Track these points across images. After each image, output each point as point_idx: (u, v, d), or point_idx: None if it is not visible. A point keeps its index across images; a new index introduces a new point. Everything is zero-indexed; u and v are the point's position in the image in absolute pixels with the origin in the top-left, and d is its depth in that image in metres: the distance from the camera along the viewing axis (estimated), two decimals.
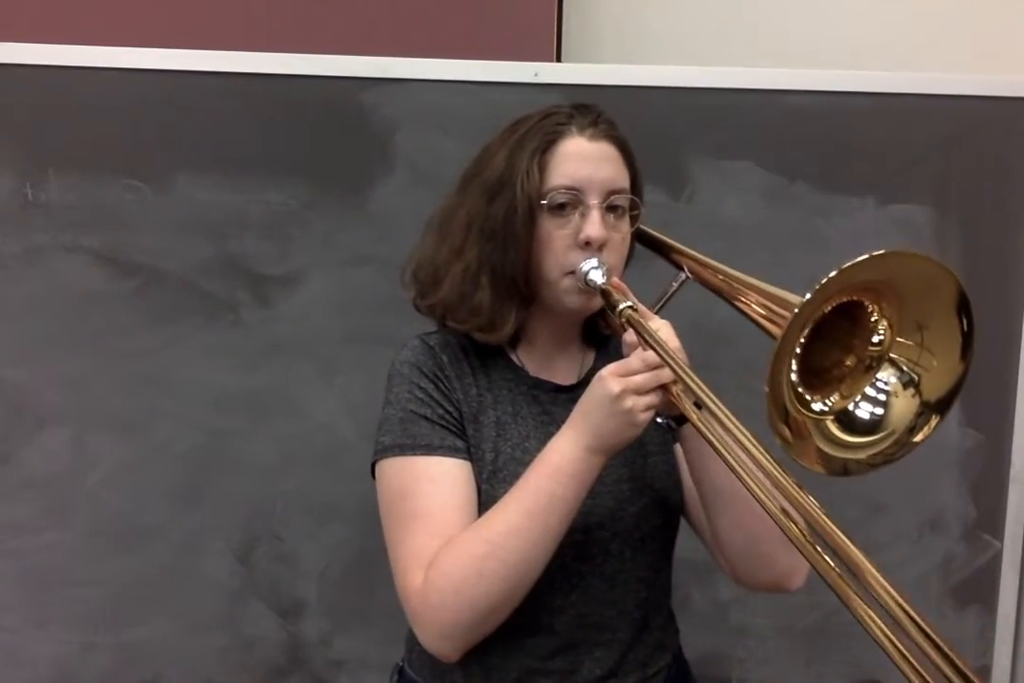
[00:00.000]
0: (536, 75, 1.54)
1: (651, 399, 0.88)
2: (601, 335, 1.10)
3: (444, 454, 0.96)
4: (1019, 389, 1.65)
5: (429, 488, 0.95)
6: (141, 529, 1.59)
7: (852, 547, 0.70)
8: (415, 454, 0.96)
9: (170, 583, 1.60)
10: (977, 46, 1.76)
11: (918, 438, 0.80)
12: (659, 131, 1.52)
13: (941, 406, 0.80)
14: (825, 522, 0.72)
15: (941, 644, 0.62)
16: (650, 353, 0.88)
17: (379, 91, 1.54)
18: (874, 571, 0.67)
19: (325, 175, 1.55)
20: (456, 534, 0.91)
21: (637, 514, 1.03)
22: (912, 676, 0.63)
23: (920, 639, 0.63)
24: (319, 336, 1.58)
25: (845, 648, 1.69)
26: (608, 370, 0.89)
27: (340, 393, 1.59)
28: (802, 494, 0.75)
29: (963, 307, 0.76)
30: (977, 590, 1.68)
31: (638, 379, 0.87)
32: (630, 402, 0.87)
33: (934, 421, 0.80)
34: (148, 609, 1.61)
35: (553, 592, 0.99)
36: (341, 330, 1.58)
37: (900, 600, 0.65)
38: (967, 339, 0.77)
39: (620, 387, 0.87)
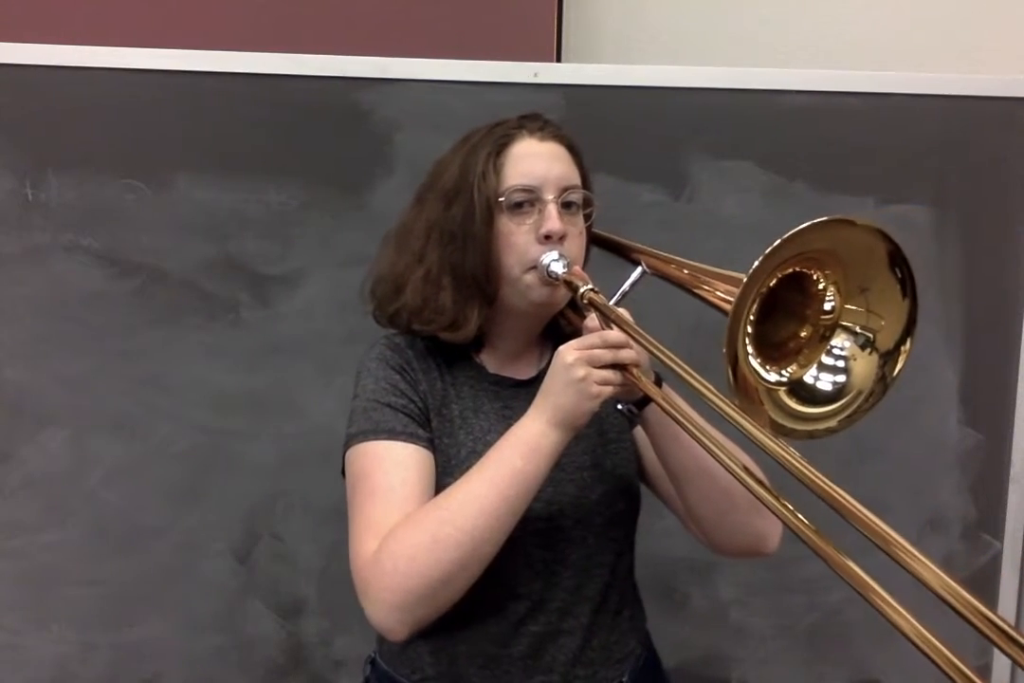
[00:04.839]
0: (536, 75, 1.54)
1: (607, 374, 0.90)
2: (562, 335, 1.12)
3: (407, 440, 0.98)
4: (1019, 389, 1.65)
5: (390, 468, 0.96)
6: (141, 529, 1.59)
7: (840, 491, 0.69)
8: (378, 438, 0.98)
9: (170, 583, 1.60)
10: (977, 46, 1.76)
11: (890, 381, 0.83)
12: (659, 131, 1.52)
13: (899, 345, 0.82)
14: (807, 470, 0.71)
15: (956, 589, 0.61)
16: (609, 331, 0.92)
17: (379, 91, 1.54)
18: (867, 512, 0.67)
19: (324, 175, 1.55)
20: (414, 510, 0.92)
21: (599, 501, 1.05)
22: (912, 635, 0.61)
23: (928, 574, 0.63)
24: (319, 336, 1.58)
25: (845, 648, 1.69)
26: (566, 345, 0.92)
27: (340, 393, 1.57)
28: (777, 444, 0.74)
29: (895, 261, 0.79)
30: (977, 590, 1.67)
31: (595, 352, 0.90)
32: (583, 371, 0.89)
33: (901, 359, 0.82)
34: (148, 609, 1.61)
35: (517, 580, 1.01)
36: (341, 330, 1.58)
37: (900, 539, 0.65)
38: (904, 285, 0.80)
39: (574, 356, 0.90)
